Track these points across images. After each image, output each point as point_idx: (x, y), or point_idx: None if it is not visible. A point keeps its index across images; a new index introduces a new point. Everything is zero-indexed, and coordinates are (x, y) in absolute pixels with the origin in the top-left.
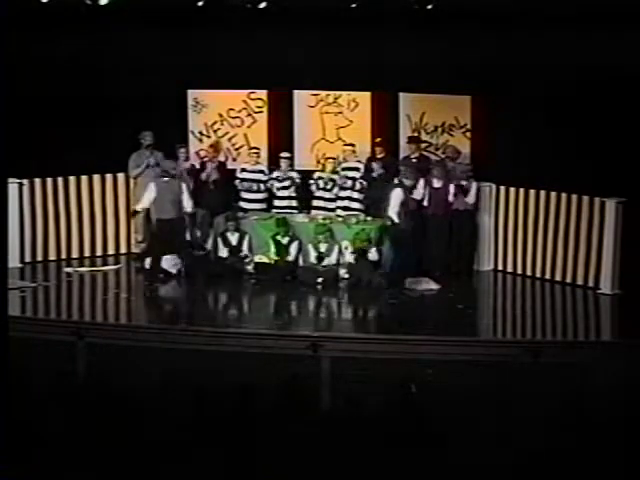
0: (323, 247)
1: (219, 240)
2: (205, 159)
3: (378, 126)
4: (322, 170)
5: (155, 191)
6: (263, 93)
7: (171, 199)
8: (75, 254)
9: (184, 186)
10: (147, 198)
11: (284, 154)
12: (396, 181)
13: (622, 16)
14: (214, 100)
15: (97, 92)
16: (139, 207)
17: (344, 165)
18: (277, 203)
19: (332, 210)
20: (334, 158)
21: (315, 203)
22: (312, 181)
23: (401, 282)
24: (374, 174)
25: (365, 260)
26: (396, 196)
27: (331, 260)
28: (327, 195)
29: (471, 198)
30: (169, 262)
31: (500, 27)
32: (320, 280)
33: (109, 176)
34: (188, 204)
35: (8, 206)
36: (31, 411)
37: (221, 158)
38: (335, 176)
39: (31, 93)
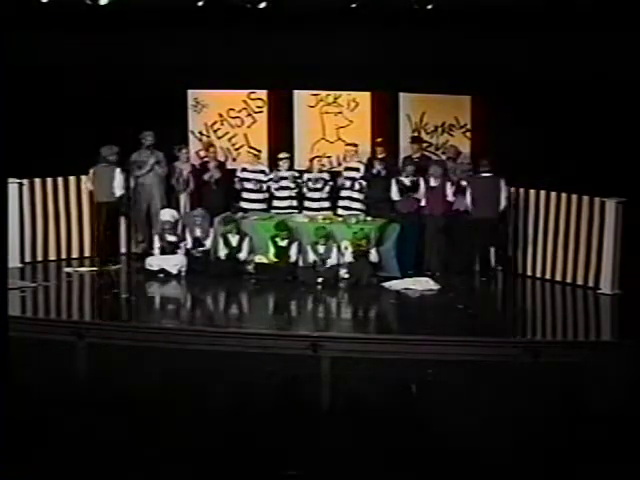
0: (321, 249)
1: (220, 240)
2: (205, 159)
3: (378, 126)
4: (309, 170)
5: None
6: (263, 93)
7: (107, 184)
8: (75, 254)
9: (117, 171)
10: (89, 181)
11: (283, 154)
12: (484, 174)
13: (622, 17)
14: (214, 100)
15: (97, 92)
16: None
17: (344, 165)
18: (277, 203)
19: (325, 210)
20: (319, 156)
21: (307, 204)
22: (302, 182)
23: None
24: (375, 173)
25: (365, 260)
26: (505, 187)
27: (331, 262)
28: (317, 195)
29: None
30: (169, 262)
31: (500, 27)
32: (320, 280)
33: None
34: (118, 189)
35: (8, 206)
36: (31, 411)
37: (221, 158)
38: (324, 175)
39: (31, 93)
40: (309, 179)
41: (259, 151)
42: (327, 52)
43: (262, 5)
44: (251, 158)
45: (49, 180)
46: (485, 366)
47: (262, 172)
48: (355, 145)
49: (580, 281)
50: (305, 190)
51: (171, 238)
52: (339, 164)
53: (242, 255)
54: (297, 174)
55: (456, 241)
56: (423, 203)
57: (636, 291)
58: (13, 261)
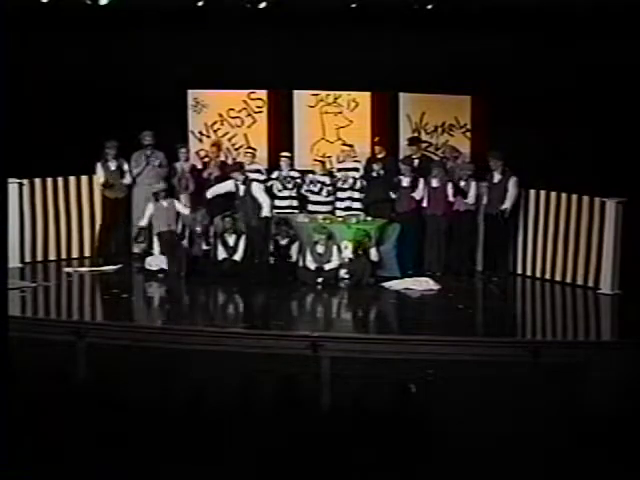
0: (321, 249)
1: (218, 241)
2: (206, 159)
3: (378, 126)
4: (312, 172)
5: (102, 172)
6: (263, 93)
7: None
8: (75, 254)
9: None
10: (100, 176)
11: (284, 154)
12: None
13: (622, 16)
14: (214, 100)
15: (97, 92)
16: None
17: (339, 166)
18: (277, 203)
19: (322, 213)
20: (322, 161)
21: (310, 207)
22: (305, 185)
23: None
24: (374, 174)
25: (366, 258)
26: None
27: (331, 265)
28: (314, 198)
29: (471, 198)
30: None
31: (500, 27)
32: (320, 280)
33: None
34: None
35: (8, 206)
36: (31, 411)
37: (222, 157)
38: (324, 178)
39: (31, 93)
40: (310, 182)
41: (254, 149)
42: (327, 52)
43: (262, 5)
44: (248, 159)
45: (49, 180)
46: (485, 366)
47: (258, 172)
48: (351, 146)
49: (580, 281)
50: (303, 192)
51: None
52: (339, 163)
53: (238, 256)
54: (297, 174)
55: (457, 241)
56: (424, 204)
57: (636, 291)
58: (13, 261)
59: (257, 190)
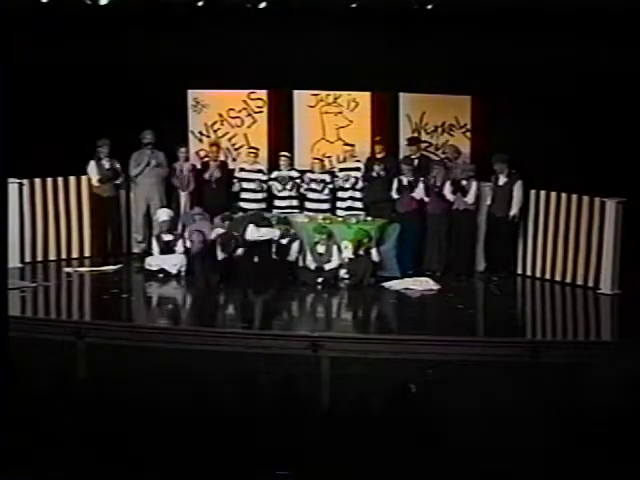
0: (321, 249)
1: (217, 242)
2: (206, 159)
3: (378, 126)
4: (310, 171)
5: (96, 171)
6: (263, 93)
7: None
8: (75, 254)
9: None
10: (93, 174)
11: (284, 153)
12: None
13: (622, 16)
14: (214, 100)
15: (97, 92)
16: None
17: (341, 166)
18: (277, 203)
19: (323, 211)
20: (321, 159)
21: (306, 205)
22: (304, 184)
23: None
24: (374, 174)
25: (367, 258)
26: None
27: (331, 265)
28: (315, 196)
29: (470, 198)
30: (169, 262)
31: (500, 27)
32: (320, 280)
33: None
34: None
35: (8, 206)
36: (31, 411)
37: (222, 157)
38: (325, 176)
39: (31, 93)
40: (310, 180)
41: (257, 149)
42: (327, 52)
43: (262, 5)
44: (250, 158)
45: (49, 180)
46: (485, 366)
47: (260, 172)
48: (352, 145)
49: (580, 281)
50: (302, 191)
51: (167, 237)
52: (340, 163)
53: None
54: (296, 174)
55: (457, 241)
56: (427, 201)
57: (636, 291)
58: (13, 261)
59: (254, 232)
